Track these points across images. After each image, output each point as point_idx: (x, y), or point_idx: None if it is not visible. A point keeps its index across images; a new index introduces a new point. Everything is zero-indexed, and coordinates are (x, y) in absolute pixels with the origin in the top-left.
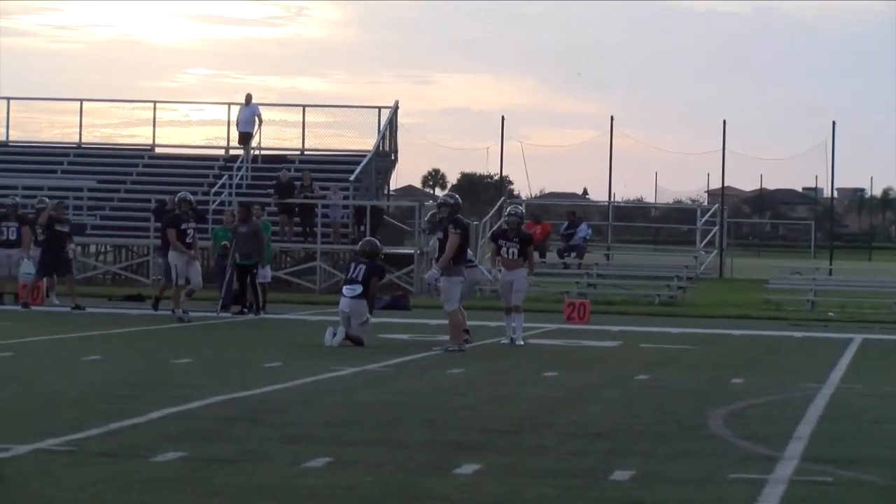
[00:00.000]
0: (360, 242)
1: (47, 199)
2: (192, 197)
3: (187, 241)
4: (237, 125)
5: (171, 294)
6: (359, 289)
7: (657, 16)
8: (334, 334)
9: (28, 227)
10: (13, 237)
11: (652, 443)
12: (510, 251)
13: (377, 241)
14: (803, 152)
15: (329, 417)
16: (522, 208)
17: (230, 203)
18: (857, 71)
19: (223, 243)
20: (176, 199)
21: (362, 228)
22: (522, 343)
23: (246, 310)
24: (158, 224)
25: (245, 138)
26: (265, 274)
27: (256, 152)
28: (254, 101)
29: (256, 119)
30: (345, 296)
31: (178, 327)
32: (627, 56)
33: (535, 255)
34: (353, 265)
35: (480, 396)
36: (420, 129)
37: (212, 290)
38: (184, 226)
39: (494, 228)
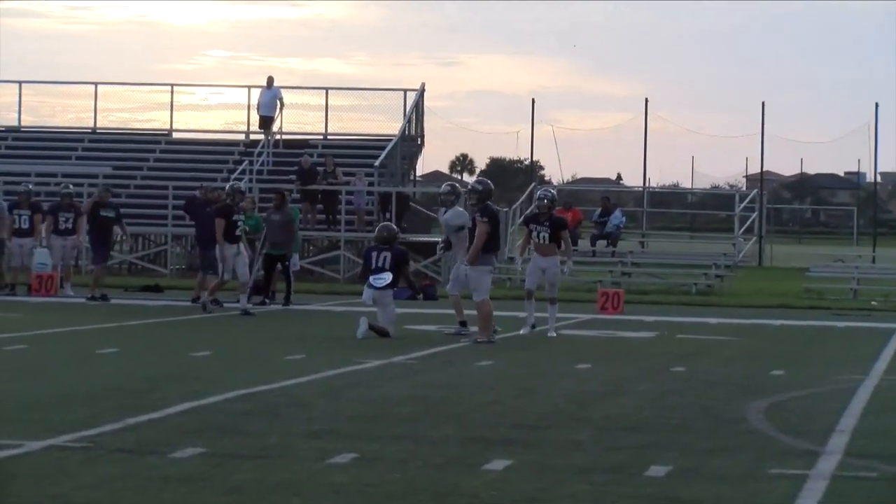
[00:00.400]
0: (378, 228)
1: (71, 185)
2: (244, 187)
3: (236, 233)
4: (258, 109)
5: (210, 284)
6: (388, 278)
7: None
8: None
9: (41, 215)
10: (26, 226)
11: (689, 437)
12: (541, 236)
13: (393, 226)
14: (845, 135)
15: (353, 412)
16: (554, 191)
17: (250, 190)
18: None
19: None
20: (227, 189)
21: (387, 216)
22: (555, 335)
23: (268, 300)
24: (189, 217)
25: (266, 122)
26: (294, 262)
27: (277, 137)
28: (275, 83)
29: (278, 103)
30: (372, 286)
31: (197, 318)
32: (662, 35)
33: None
34: (373, 254)
35: (510, 390)
36: (447, 113)
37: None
38: (234, 217)
39: (527, 213)
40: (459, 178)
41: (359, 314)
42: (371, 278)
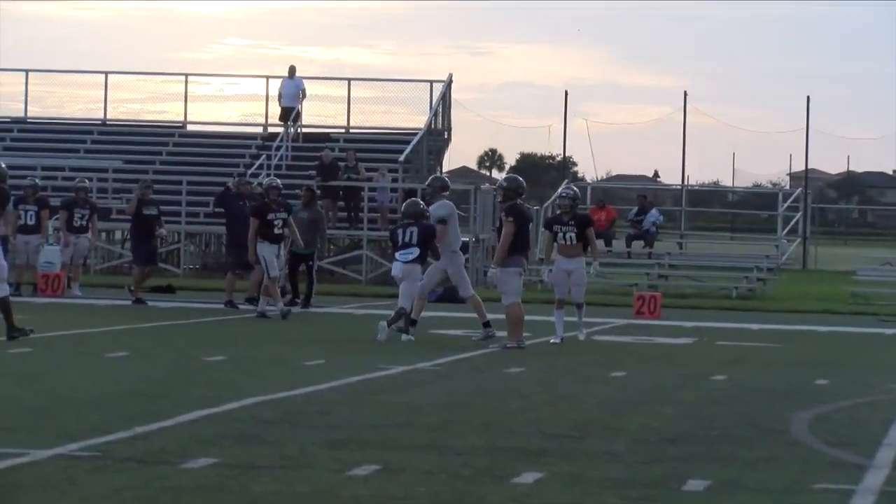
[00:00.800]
0: (405, 204)
1: (88, 180)
2: (280, 183)
3: (275, 232)
4: (280, 100)
5: (266, 287)
6: (415, 252)
7: None
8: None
9: (47, 210)
10: (32, 222)
11: (730, 449)
12: (567, 236)
13: (420, 201)
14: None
15: (376, 420)
16: (576, 189)
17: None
18: None
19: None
20: (264, 186)
21: None
22: (583, 338)
23: (298, 300)
24: (221, 211)
25: (288, 114)
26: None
27: (297, 130)
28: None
29: (301, 94)
30: (398, 261)
31: (211, 321)
32: (702, 24)
33: (600, 242)
34: (400, 231)
35: (542, 397)
36: (476, 105)
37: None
38: (270, 215)
39: (549, 216)
40: (488, 174)
41: (382, 317)
42: (398, 254)
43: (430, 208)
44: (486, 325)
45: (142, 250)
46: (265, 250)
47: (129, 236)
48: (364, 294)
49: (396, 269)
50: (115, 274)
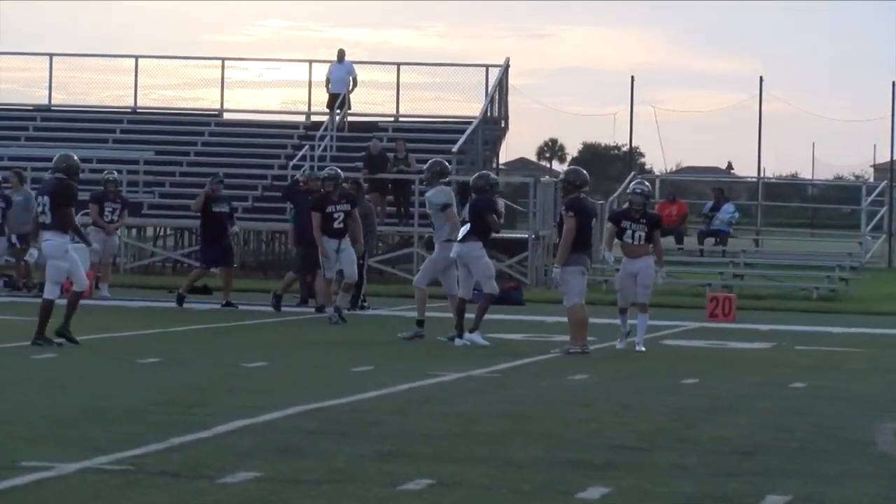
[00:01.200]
0: (473, 178)
1: (116, 172)
2: (341, 173)
3: (335, 226)
4: (327, 86)
5: (319, 288)
6: (466, 227)
7: None
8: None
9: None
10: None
11: (810, 462)
12: (636, 235)
13: (490, 174)
14: None
15: (429, 431)
16: (648, 185)
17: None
18: None
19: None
20: (322, 176)
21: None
22: (644, 349)
23: (366, 304)
24: (291, 206)
25: (335, 101)
26: None
27: (343, 119)
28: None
29: (351, 79)
30: (454, 241)
31: (251, 324)
32: (779, 5)
33: (670, 240)
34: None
35: (607, 406)
36: (534, 92)
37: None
38: (330, 208)
39: (615, 209)
40: (548, 165)
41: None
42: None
43: (427, 195)
44: (420, 323)
45: (210, 252)
46: (326, 246)
47: (197, 236)
48: (414, 295)
49: (454, 251)
50: (146, 274)
